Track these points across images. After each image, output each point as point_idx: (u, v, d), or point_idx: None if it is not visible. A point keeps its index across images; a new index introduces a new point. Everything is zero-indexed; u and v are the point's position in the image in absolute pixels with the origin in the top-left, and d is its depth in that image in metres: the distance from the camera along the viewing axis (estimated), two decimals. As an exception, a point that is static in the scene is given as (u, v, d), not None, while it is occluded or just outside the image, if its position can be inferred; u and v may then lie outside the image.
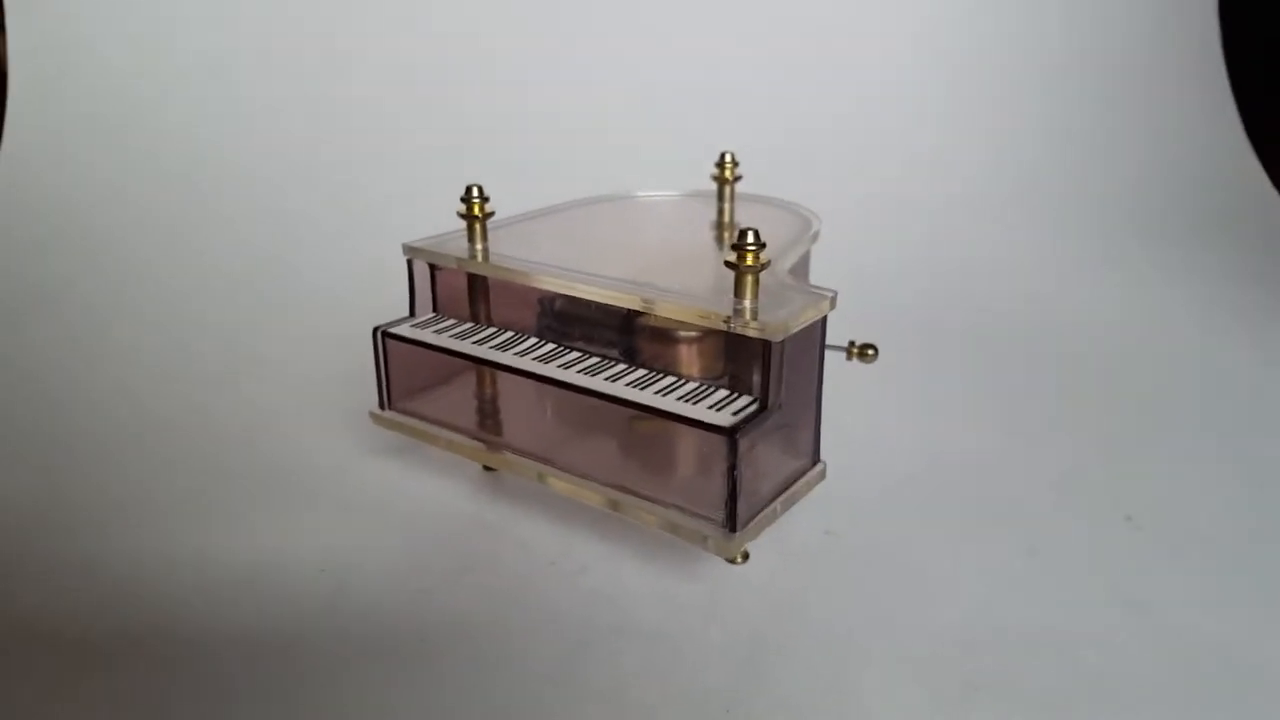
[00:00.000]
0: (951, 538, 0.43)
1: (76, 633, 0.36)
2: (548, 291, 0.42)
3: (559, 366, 0.40)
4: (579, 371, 0.40)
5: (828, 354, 0.46)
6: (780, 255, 0.43)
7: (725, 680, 0.34)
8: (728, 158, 0.54)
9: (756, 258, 0.36)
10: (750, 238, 0.36)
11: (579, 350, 0.42)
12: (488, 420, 0.45)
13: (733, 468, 0.34)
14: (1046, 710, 0.33)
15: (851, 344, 0.46)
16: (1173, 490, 0.48)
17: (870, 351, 0.46)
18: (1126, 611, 0.38)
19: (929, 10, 1.00)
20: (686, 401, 0.36)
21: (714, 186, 0.56)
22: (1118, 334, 0.71)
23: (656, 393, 0.37)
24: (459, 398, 0.45)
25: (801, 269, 0.49)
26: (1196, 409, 0.58)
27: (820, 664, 0.35)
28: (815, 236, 0.49)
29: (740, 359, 0.37)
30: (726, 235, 0.51)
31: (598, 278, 0.40)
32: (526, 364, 0.41)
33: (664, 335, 0.40)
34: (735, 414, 0.35)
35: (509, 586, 0.39)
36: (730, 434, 0.34)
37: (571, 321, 0.43)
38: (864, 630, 0.37)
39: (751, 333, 0.35)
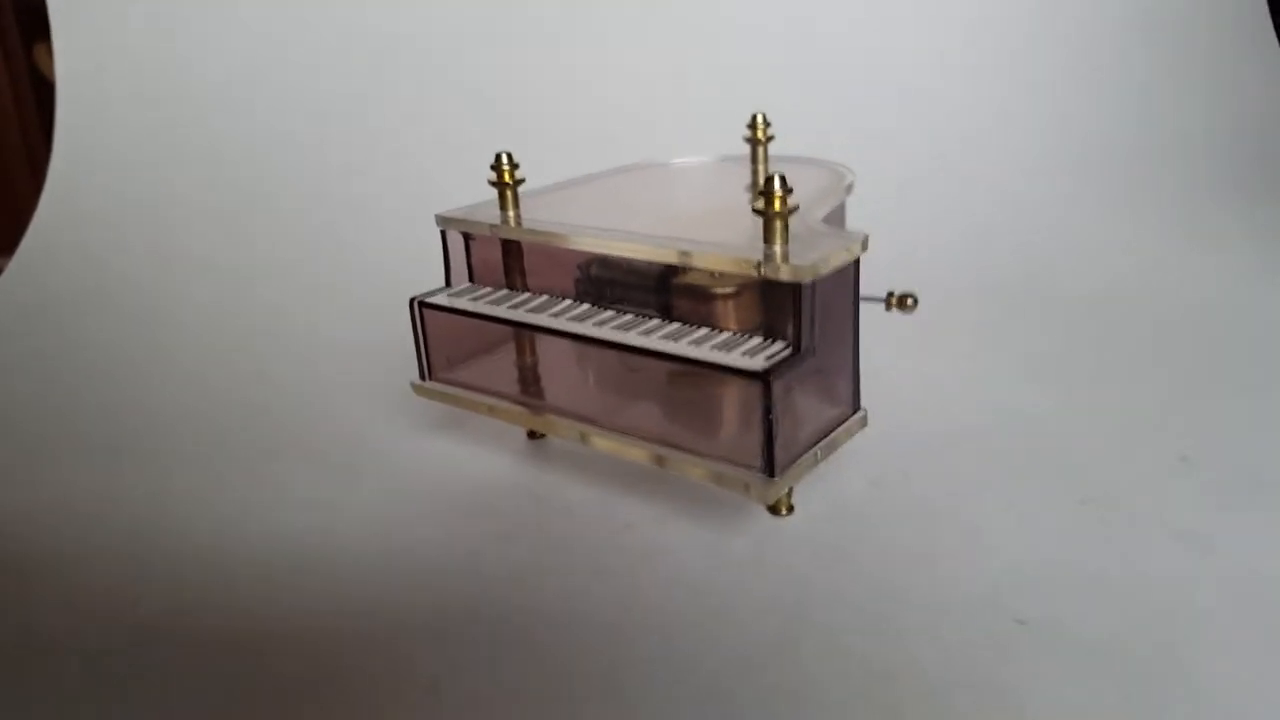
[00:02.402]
0: (1001, 487, 0.42)
1: (134, 614, 0.37)
2: (581, 254, 0.42)
3: (594, 325, 0.40)
4: (614, 328, 0.40)
5: (870, 306, 0.45)
6: (812, 204, 0.43)
7: (773, 629, 0.34)
8: (759, 118, 0.54)
9: (784, 202, 0.36)
10: (777, 183, 0.35)
11: (620, 310, 0.42)
12: (528, 384, 0.45)
13: (768, 411, 0.34)
14: (1101, 647, 0.32)
15: (891, 294, 0.45)
16: (1229, 430, 0.46)
17: (910, 301, 0.45)
18: (1186, 550, 0.37)
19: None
20: (720, 350, 0.36)
21: (747, 150, 0.55)
22: (1170, 281, 0.69)
23: (690, 343, 0.37)
24: (498, 364, 0.45)
25: (837, 220, 0.48)
26: (1250, 350, 0.56)
27: (867, 609, 0.34)
28: (850, 188, 0.48)
29: (773, 307, 0.37)
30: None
31: (630, 234, 0.40)
32: (562, 324, 0.41)
33: (700, 292, 0.40)
34: (769, 358, 0.35)
35: (555, 548, 0.39)
36: (763, 377, 0.34)
37: (609, 285, 0.43)
38: (910, 576, 0.36)
39: (782, 276, 0.35)
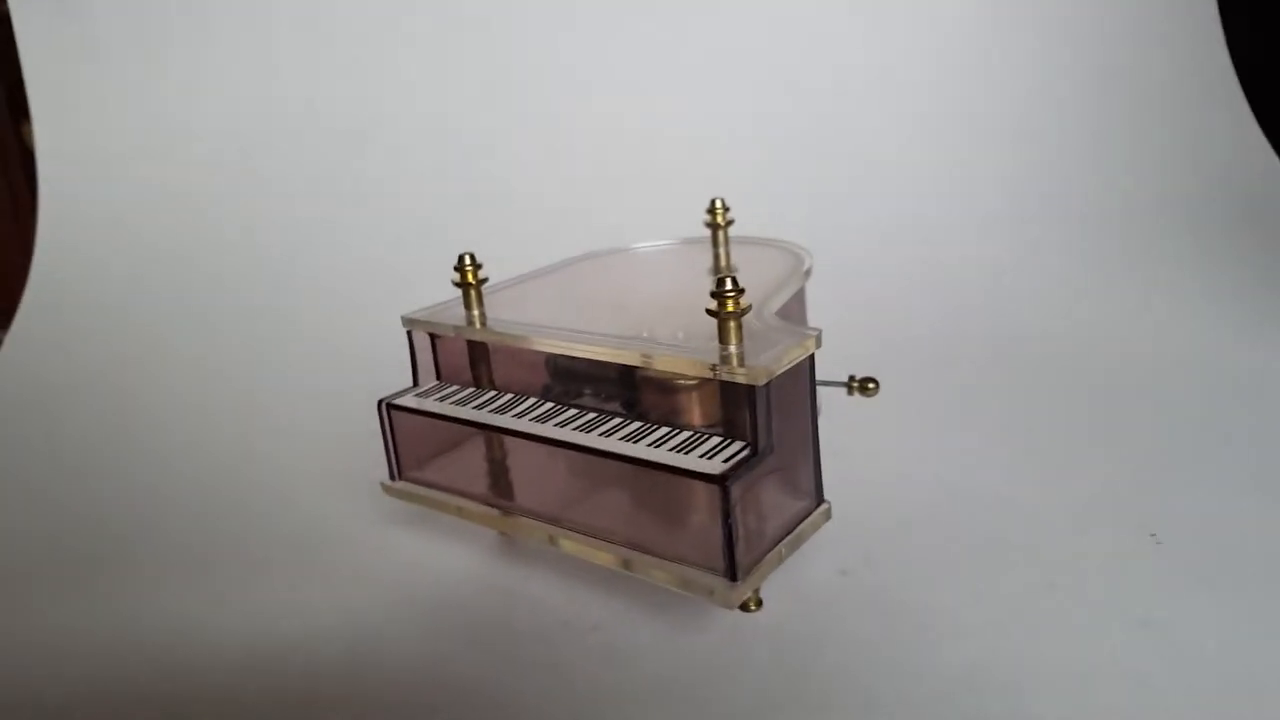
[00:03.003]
0: (969, 572, 0.42)
1: (88, 702, 0.37)
2: (545, 353, 0.43)
3: (556, 425, 0.41)
4: (575, 429, 0.40)
5: (832, 391, 0.46)
6: (768, 297, 0.43)
7: (737, 732, 0.33)
8: (718, 203, 0.55)
9: (736, 303, 0.36)
10: (728, 285, 0.36)
11: (584, 407, 0.42)
12: (496, 484, 0.45)
13: (727, 515, 0.34)
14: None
15: (852, 379, 0.46)
16: (1200, 506, 0.47)
17: (871, 385, 0.46)
18: (1148, 639, 0.37)
19: (934, 31, 1.00)
20: (679, 452, 0.36)
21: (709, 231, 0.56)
22: (1138, 349, 0.69)
23: (650, 445, 0.37)
24: (467, 464, 0.45)
25: (797, 305, 0.49)
26: (1224, 421, 0.56)
27: (828, 709, 0.34)
28: (808, 273, 0.49)
29: (731, 405, 0.37)
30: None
31: (589, 335, 0.41)
32: (525, 425, 0.41)
33: (664, 386, 0.40)
34: (726, 461, 0.35)
35: (522, 649, 0.39)
36: (721, 481, 0.34)
37: (577, 379, 0.43)
38: (875, 674, 0.36)
39: (737, 379, 0.35)
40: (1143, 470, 0.51)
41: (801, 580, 0.42)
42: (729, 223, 0.55)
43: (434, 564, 0.46)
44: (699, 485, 0.35)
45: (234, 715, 0.36)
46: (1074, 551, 0.43)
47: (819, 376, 0.41)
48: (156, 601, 0.45)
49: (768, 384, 0.35)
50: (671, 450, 0.37)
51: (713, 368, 0.36)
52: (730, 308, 0.36)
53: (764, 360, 0.35)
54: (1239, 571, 0.41)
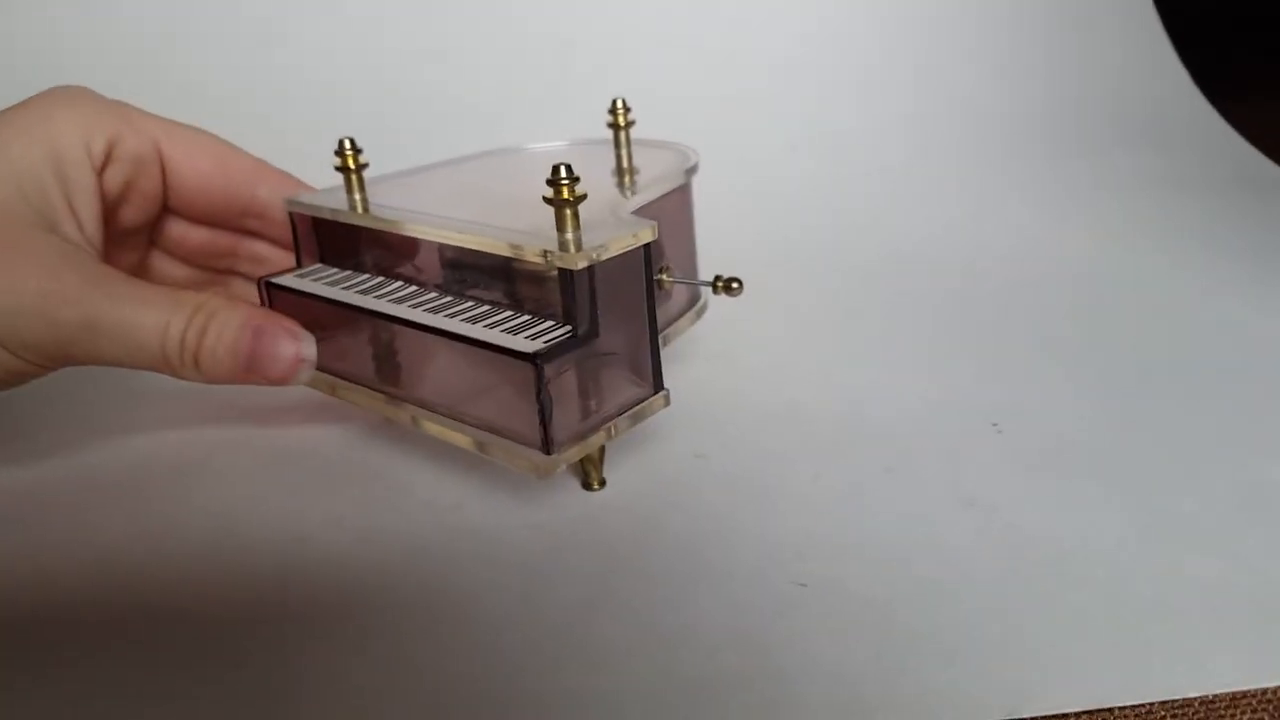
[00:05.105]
0: (816, 457, 0.44)
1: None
2: (414, 239, 0.44)
3: (409, 307, 0.42)
4: (425, 310, 0.41)
5: (732, 299, 0.47)
6: (642, 189, 0.44)
7: (574, 597, 0.35)
8: (619, 103, 0.55)
9: (571, 191, 0.37)
10: (563, 172, 0.37)
11: (473, 298, 0.43)
12: (368, 366, 0.46)
13: (539, 391, 0.35)
14: (870, 607, 0.34)
15: (717, 278, 0.47)
16: (1043, 402, 0.49)
17: (735, 285, 0.46)
18: (969, 518, 0.39)
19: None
20: (508, 333, 0.38)
21: (607, 133, 0.56)
22: (1012, 257, 0.71)
23: (486, 326, 0.39)
24: (344, 345, 0.47)
25: (678, 202, 0.49)
26: (1084, 325, 0.59)
27: (664, 575, 0.36)
28: (693, 170, 0.50)
29: (565, 290, 0.39)
30: (621, 179, 0.52)
31: (451, 221, 0.42)
32: (372, 303, 0.43)
33: (536, 278, 0.41)
34: (546, 341, 0.36)
35: (383, 528, 0.41)
36: (533, 359, 0.35)
37: (464, 270, 0.44)
38: (711, 543, 0.38)
39: (561, 263, 0.36)
40: (999, 368, 0.53)
41: (657, 463, 0.44)
42: (630, 124, 0.55)
43: (312, 447, 0.48)
44: (519, 363, 0.36)
45: (90, 600, 0.37)
46: (918, 440, 0.45)
47: (700, 277, 0.41)
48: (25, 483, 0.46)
49: (589, 269, 0.36)
50: (503, 331, 0.38)
51: (544, 253, 0.37)
52: (565, 195, 0.37)
53: (585, 247, 0.36)
54: (1066, 460, 0.43)
